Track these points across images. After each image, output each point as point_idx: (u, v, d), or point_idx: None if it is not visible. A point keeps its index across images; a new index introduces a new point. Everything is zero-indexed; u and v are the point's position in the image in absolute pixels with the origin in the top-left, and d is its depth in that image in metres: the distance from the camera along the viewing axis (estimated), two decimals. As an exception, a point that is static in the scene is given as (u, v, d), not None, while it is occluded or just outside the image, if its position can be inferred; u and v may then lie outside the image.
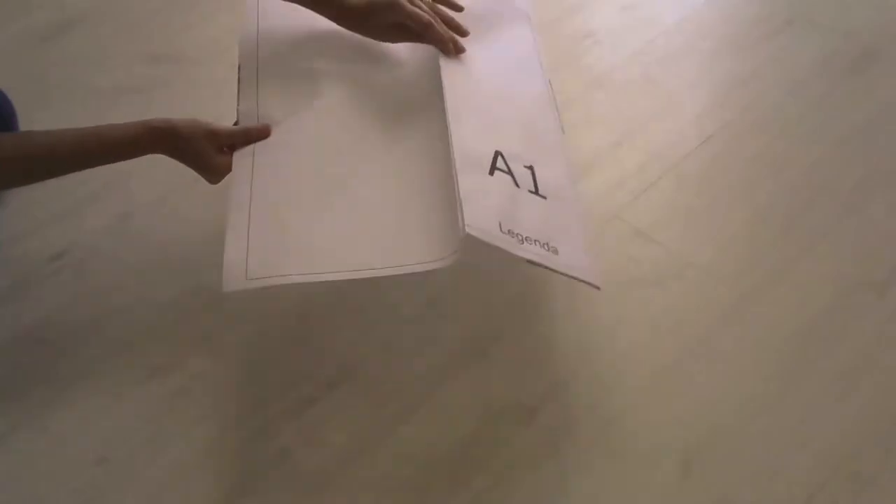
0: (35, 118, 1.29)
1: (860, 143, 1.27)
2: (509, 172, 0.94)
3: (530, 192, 0.93)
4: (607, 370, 1.02)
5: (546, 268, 0.87)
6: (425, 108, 1.05)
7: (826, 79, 1.37)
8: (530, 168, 0.96)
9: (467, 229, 0.84)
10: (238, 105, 1.08)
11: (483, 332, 1.06)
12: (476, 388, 1.00)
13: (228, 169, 1.02)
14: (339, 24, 1.09)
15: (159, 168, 1.26)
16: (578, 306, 1.08)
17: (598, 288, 0.89)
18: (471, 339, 1.04)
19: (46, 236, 1.16)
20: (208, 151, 1.02)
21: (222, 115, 1.22)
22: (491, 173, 0.93)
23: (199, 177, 1.22)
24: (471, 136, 0.96)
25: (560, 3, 1.52)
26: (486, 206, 0.88)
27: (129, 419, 0.98)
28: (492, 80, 1.07)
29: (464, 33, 1.08)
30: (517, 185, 0.93)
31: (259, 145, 1.03)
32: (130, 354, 1.04)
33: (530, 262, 0.87)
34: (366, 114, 1.07)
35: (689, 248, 1.14)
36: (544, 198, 0.94)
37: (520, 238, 0.88)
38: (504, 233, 0.87)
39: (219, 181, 1.04)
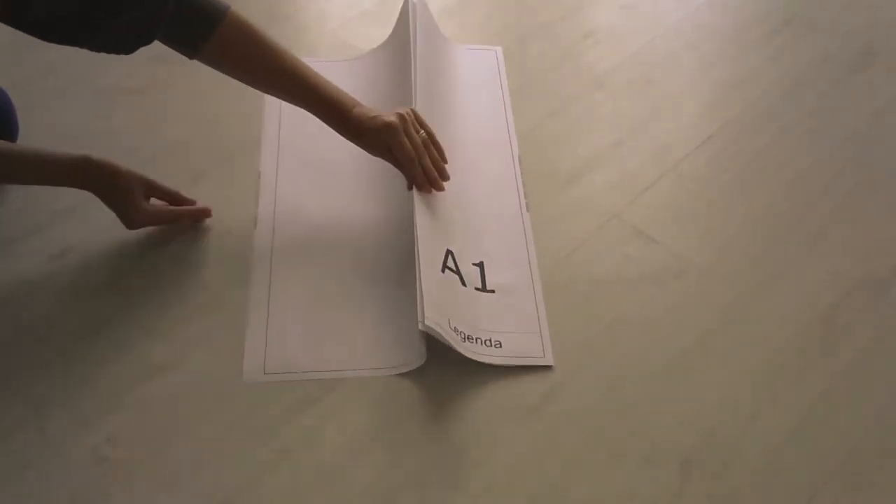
0: (35, 118, 1.29)
1: (860, 142, 1.27)
2: (457, 272, 1.06)
3: (476, 289, 1.06)
4: (607, 370, 1.02)
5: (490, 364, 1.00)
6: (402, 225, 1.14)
7: (825, 79, 1.37)
8: (479, 265, 1.09)
9: (426, 321, 0.96)
10: (257, 209, 1.18)
11: (483, 332, 1.06)
12: (477, 389, 1.00)
13: (148, 218, 1.13)
14: (339, 132, 1.14)
15: (159, 167, 1.26)
16: (578, 306, 1.08)
17: (550, 367, 1.00)
18: (471, 339, 1.05)
19: (47, 236, 1.16)
20: (138, 195, 1.11)
21: (220, 114, 1.23)
22: (442, 271, 1.05)
23: (199, 176, 1.23)
24: (430, 236, 1.07)
25: (560, 3, 1.52)
26: (439, 303, 0.99)
27: (129, 419, 0.98)
28: (457, 175, 1.16)
29: (445, 177, 1.14)
30: (464, 284, 1.05)
31: (276, 257, 1.13)
32: (130, 354, 1.04)
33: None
34: (359, 235, 1.17)
35: (689, 248, 1.14)
36: (492, 292, 1.07)
37: (462, 336, 1.00)
38: (451, 329, 0.99)
39: (135, 228, 1.12)
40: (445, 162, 1.15)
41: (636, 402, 0.99)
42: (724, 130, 1.29)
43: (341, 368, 1.02)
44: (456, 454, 0.95)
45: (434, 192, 1.13)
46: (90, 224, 1.14)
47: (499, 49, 1.42)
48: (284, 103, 1.19)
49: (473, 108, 1.31)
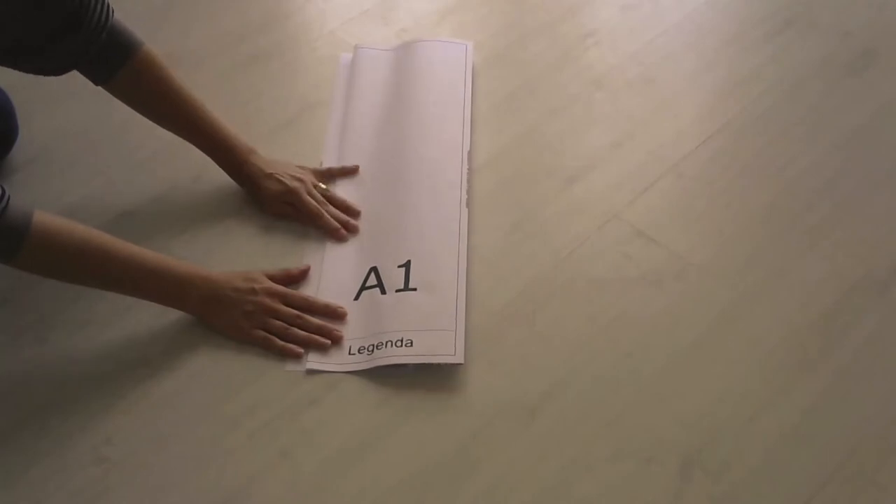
0: (35, 119, 1.29)
1: (860, 142, 1.27)
2: (378, 284, 1.09)
3: (398, 290, 1.08)
4: (607, 370, 1.02)
5: (401, 364, 1.01)
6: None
7: (825, 79, 1.37)
8: (405, 265, 1.11)
9: (308, 365, 1.02)
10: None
11: (485, 331, 1.06)
12: (478, 388, 1.01)
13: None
14: (233, 179, 1.20)
15: (159, 167, 1.26)
16: (578, 306, 1.08)
17: (459, 364, 1.01)
18: (473, 339, 1.05)
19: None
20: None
21: (219, 113, 1.22)
22: (357, 298, 1.09)
23: (199, 176, 1.23)
24: (340, 270, 1.12)
25: (560, 3, 1.52)
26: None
27: (129, 419, 0.98)
28: (400, 171, 1.22)
29: (355, 214, 1.19)
30: (383, 292, 1.08)
31: (327, 261, 1.14)
32: (130, 354, 1.04)
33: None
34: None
35: (689, 248, 1.14)
36: (414, 290, 1.08)
37: (370, 349, 1.03)
38: (353, 354, 1.03)
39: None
40: (354, 214, 1.19)
41: (636, 402, 0.99)
42: (724, 130, 1.29)
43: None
44: (456, 454, 0.95)
45: (361, 213, 1.19)
46: (90, 224, 1.13)
47: (469, 44, 1.42)
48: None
49: (430, 104, 1.31)
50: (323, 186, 1.20)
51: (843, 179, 1.22)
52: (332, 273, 1.12)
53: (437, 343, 1.03)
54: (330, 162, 1.25)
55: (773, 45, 1.42)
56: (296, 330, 1.05)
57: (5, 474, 0.94)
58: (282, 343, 1.04)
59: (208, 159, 1.19)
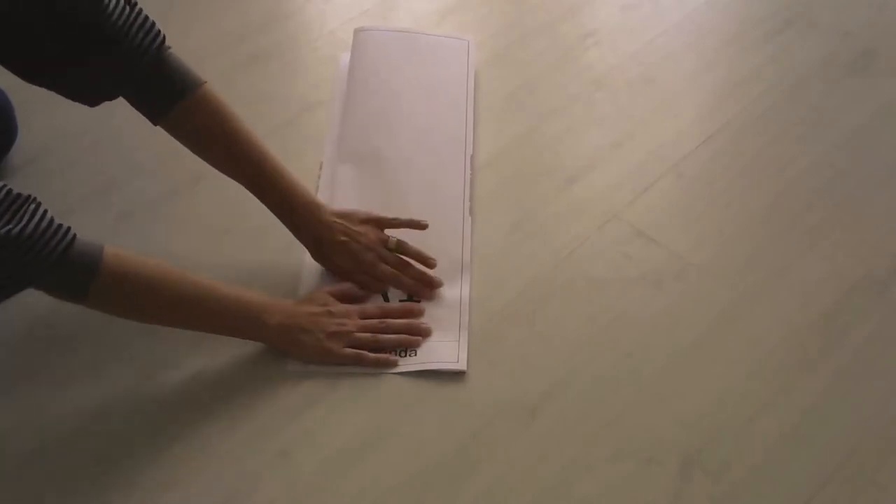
0: (35, 119, 1.29)
1: (860, 142, 1.27)
2: (382, 293, 1.10)
3: (402, 300, 1.09)
4: (607, 370, 1.02)
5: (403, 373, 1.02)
6: None
7: (826, 79, 1.37)
8: None
9: (309, 366, 1.02)
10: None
11: (485, 331, 1.06)
12: (478, 388, 1.01)
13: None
14: (294, 234, 1.10)
15: (159, 167, 1.26)
16: (578, 306, 1.08)
17: (462, 372, 1.01)
18: (473, 339, 1.05)
19: (46, 236, 1.16)
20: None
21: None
22: None
23: (199, 177, 1.23)
24: None
25: (560, 3, 1.52)
26: None
27: (129, 419, 0.98)
28: (405, 176, 1.22)
29: (431, 264, 1.10)
30: (386, 299, 1.09)
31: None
32: (130, 354, 1.04)
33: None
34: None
35: (689, 248, 1.14)
36: (419, 301, 1.09)
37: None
38: None
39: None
40: (430, 264, 1.10)
41: (636, 402, 0.99)
42: (724, 130, 1.29)
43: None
44: (456, 454, 0.95)
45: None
46: (89, 224, 1.13)
47: (470, 40, 1.41)
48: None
49: (431, 105, 1.31)
50: (394, 241, 1.10)
51: (843, 179, 1.22)
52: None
53: (441, 352, 1.03)
54: (330, 163, 1.25)
55: (773, 45, 1.42)
56: (384, 337, 1.03)
57: (6, 475, 0.94)
58: (374, 356, 1.02)
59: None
